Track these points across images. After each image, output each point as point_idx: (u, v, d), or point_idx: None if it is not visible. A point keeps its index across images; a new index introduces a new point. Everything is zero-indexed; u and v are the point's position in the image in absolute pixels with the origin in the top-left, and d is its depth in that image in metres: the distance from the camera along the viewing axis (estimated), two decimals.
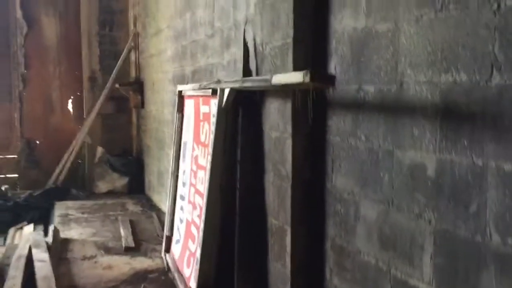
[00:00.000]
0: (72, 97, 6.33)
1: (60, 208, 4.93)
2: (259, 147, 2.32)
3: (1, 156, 6.07)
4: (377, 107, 1.66)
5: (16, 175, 6.09)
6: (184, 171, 3.32)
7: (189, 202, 3.14)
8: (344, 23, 1.82)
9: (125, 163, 5.80)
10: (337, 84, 1.85)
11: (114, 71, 5.92)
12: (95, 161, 5.93)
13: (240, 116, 2.36)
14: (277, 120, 2.15)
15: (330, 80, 1.68)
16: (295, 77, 1.61)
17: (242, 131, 2.35)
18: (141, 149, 5.87)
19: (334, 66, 1.90)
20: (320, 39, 1.95)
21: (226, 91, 2.35)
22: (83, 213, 4.75)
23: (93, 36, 6.24)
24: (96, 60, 6.26)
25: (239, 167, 2.36)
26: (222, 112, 2.38)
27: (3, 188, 5.05)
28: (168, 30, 4.42)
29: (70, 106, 6.33)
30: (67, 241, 3.82)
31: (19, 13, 6.04)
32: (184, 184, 3.30)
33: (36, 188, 5.73)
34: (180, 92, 3.38)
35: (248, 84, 2.12)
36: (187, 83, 3.85)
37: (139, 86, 5.68)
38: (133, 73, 6.15)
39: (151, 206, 5.10)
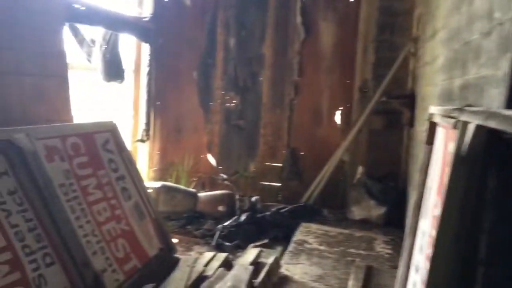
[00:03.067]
0: (340, 108, 5.80)
1: (302, 232, 4.45)
2: None
3: (267, 163, 6.03)
4: None
5: (279, 185, 5.95)
6: (423, 232, 2.28)
7: (423, 283, 2.11)
8: None
9: (383, 189, 4.91)
10: None
11: (384, 81, 5.10)
12: (354, 182, 5.24)
13: (494, 173, 1.24)
14: None
15: None
16: None
17: (493, 201, 1.23)
18: (407, 175, 4.88)
19: None
20: None
21: (471, 128, 1.28)
22: (321, 243, 4.13)
23: (370, 41, 5.55)
24: (369, 69, 5.55)
25: (484, 270, 1.26)
26: (461, 160, 1.31)
27: (253, 199, 4.88)
28: (443, 31, 3.33)
29: (337, 118, 5.82)
30: (283, 282, 3.25)
31: (298, 19, 5.85)
32: (421, 250, 2.27)
33: (295, 200, 5.47)
34: (431, 115, 2.34)
35: (491, 123, 1.03)
36: (454, 102, 2.74)
37: (410, 100, 4.70)
38: (409, 85, 5.20)
39: None
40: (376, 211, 4.87)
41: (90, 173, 3.44)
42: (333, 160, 5.37)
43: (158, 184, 4.93)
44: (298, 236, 4.29)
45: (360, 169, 5.22)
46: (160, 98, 6.21)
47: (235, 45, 6.05)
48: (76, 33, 4.89)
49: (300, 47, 5.86)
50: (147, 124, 6.14)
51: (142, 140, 6.11)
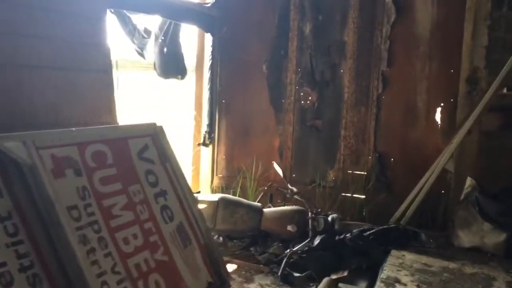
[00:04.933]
0: (442, 104, 4.67)
1: (392, 264, 3.45)
2: None
3: (349, 171, 5.05)
4: None
5: (363, 197, 4.96)
6: None
7: None
8: None
9: (503, 210, 3.76)
10: None
11: (503, 69, 3.94)
12: (461, 198, 4.12)
13: None
14: None
15: None
16: None
17: None
18: None
19: None
20: None
21: None
22: (419, 284, 3.11)
23: (481, 20, 4.39)
24: (481, 54, 4.38)
25: None
26: None
27: (330, 218, 3.95)
28: None
29: (438, 117, 4.70)
30: None
31: None
32: None
33: (383, 217, 4.49)
34: None
35: None
36: None
37: None
38: None
39: None
40: (493, 238, 3.73)
41: (118, 190, 2.72)
42: (433, 169, 4.28)
43: (216, 197, 4.16)
44: (387, 271, 3.30)
45: (469, 182, 4.08)
46: (225, 96, 5.46)
47: (311, 32, 5.13)
48: (125, 22, 4.26)
49: (390, 31, 4.81)
50: (210, 125, 5.42)
51: (204, 144, 5.40)
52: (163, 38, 4.88)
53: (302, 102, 5.21)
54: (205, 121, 5.44)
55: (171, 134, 5.24)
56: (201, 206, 4.00)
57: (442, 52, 4.62)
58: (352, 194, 4.99)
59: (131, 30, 4.32)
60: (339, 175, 5.08)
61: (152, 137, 3.20)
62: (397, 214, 4.29)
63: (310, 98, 5.17)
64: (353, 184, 5.00)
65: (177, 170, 3.25)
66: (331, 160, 5.13)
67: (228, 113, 5.47)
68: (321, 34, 5.09)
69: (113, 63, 5.47)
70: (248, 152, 5.40)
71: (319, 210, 4.22)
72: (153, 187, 3.00)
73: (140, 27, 4.48)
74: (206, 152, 5.51)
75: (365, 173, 4.96)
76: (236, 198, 4.34)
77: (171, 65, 4.99)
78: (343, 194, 5.02)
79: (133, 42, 4.38)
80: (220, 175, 5.52)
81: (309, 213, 3.98)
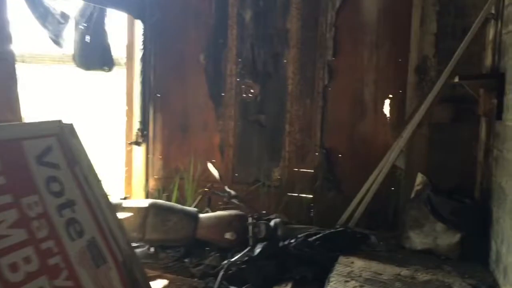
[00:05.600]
0: (390, 95, 4.38)
1: (339, 274, 3.10)
2: None
3: (295, 169, 4.70)
4: None
5: (310, 196, 4.62)
6: None
7: None
8: None
9: (456, 208, 3.49)
10: None
11: (453, 57, 3.67)
12: (411, 196, 3.84)
13: None
14: None
15: None
16: None
17: None
18: (489, 188, 3.45)
19: None
20: None
21: None
22: None
23: (430, 5, 4.13)
24: (430, 42, 4.12)
25: None
26: None
27: (272, 223, 3.57)
28: None
29: (386, 109, 4.41)
30: None
31: None
32: None
33: (331, 216, 4.18)
34: None
35: None
36: None
37: (495, 81, 3.26)
38: (488, 60, 3.75)
39: None
40: (446, 239, 3.45)
41: (5, 203, 2.20)
42: (382, 166, 3.98)
43: (146, 202, 3.69)
44: (333, 282, 2.95)
45: (420, 178, 3.81)
46: (159, 90, 4.98)
47: (252, 19, 4.73)
48: (34, 3, 3.70)
49: (335, 18, 4.47)
50: (143, 122, 4.92)
51: (137, 143, 4.90)
52: (85, 24, 4.34)
53: (244, 95, 4.80)
54: (137, 117, 4.93)
55: (99, 133, 4.72)
56: (127, 214, 3.53)
57: (390, 41, 4.33)
58: (299, 193, 4.65)
59: (42, 13, 3.76)
60: (284, 173, 4.72)
61: (58, 137, 2.69)
62: (345, 215, 3.97)
63: (252, 90, 4.77)
64: (300, 182, 4.66)
65: (90, 175, 2.76)
66: (275, 158, 4.76)
67: (164, 108, 5.00)
68: (262, 21, 4.70)
69: (30, 56, 4.86)
70: (186, 150, 4.95)
71: (262, 213, 3.83)
72: (56, 197, 2.50)
73: (55, 10, 3.92)
74: (140, 152, 5.01)
75: (312, 170, 4.62)
76: (169, 203, 3.88)
77: (95, 55, 4.47)
78: (289, 194, 4.67)
79: (46, 27, 3.83)
80: (156, 177, 5.04)
81: (250, 218, 3.57)
